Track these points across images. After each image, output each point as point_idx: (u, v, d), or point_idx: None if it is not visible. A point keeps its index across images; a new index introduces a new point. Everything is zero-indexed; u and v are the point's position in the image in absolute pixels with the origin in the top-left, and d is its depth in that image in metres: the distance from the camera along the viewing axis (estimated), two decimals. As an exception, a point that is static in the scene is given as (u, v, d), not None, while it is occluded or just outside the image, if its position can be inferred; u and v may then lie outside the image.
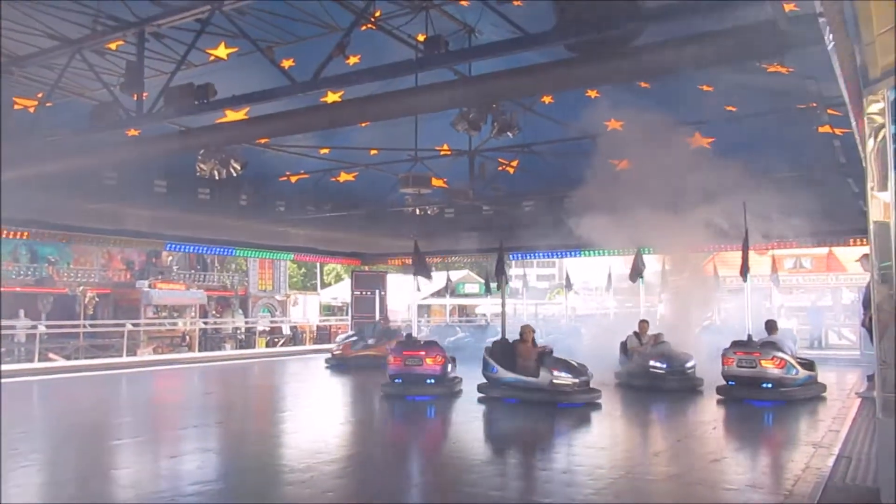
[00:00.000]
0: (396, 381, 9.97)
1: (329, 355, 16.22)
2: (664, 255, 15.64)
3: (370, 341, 18.97)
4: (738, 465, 6.26)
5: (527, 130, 9.97)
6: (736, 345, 9.44)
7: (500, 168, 12.75)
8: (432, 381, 9.84)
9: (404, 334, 12.69)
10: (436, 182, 11.41)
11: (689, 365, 10.46)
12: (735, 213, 9.97)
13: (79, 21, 6.89)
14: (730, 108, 9.92)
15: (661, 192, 10.62)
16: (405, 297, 35.41)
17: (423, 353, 9.90)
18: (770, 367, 9.01)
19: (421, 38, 7.34)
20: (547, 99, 10.03)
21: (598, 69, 5.27)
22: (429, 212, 13.79)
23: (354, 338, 19.60)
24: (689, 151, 10.67)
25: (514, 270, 29.20)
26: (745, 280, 9.88)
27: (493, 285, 19.30)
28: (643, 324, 11.40)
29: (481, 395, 9.68)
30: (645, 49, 5.04)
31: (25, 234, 14.43)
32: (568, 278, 23.36)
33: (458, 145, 11.45)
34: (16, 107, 8.85)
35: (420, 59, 5.83)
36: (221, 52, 7.94)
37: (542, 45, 5.37)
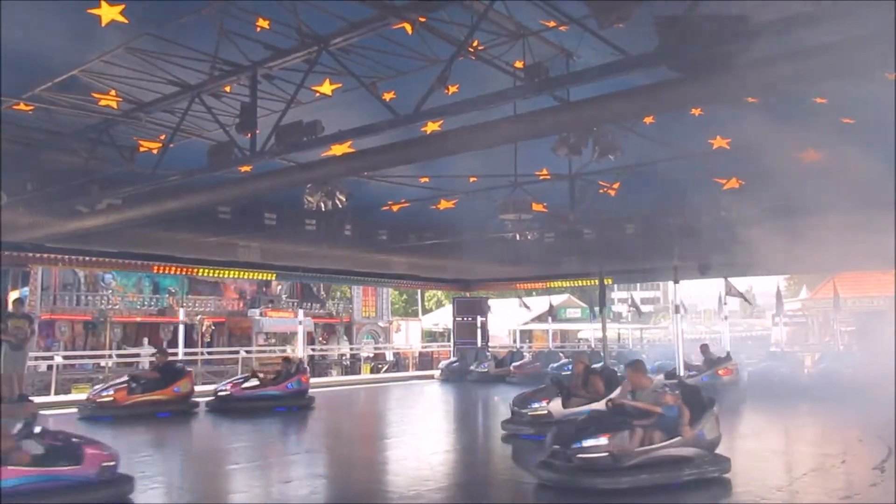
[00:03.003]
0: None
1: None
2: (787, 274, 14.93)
3: (472, 367, 19.05)
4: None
5: (628, 152, 9.78)
6: None
7: (600, 191, 12.56)
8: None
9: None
10: (536, 207, 11.35)
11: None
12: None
13: (197, 67, 7.35)
14: (846, 121, 9.38)
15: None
16: (507, 322, 35.36)
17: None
18: None
19: (518, 64, 7.37)
20: (648, 119, 9.82)
21: (705, 88, 5.11)
22: (529, 237, 13.73)
23: (457, 363, 19.69)
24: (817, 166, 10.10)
25: (617, 294, 28.57)
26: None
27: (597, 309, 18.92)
28: None
29: None
30: (754, 65, 4.85)
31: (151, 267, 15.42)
32: (680, 302, 22.59)
33: (558, 169, 11.36)
34: (141, 149, 9.49)
35: (521, 86, 5.84)
36: (326, 88, 8.24)
37: (644, 67, 5.27)
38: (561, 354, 20.59)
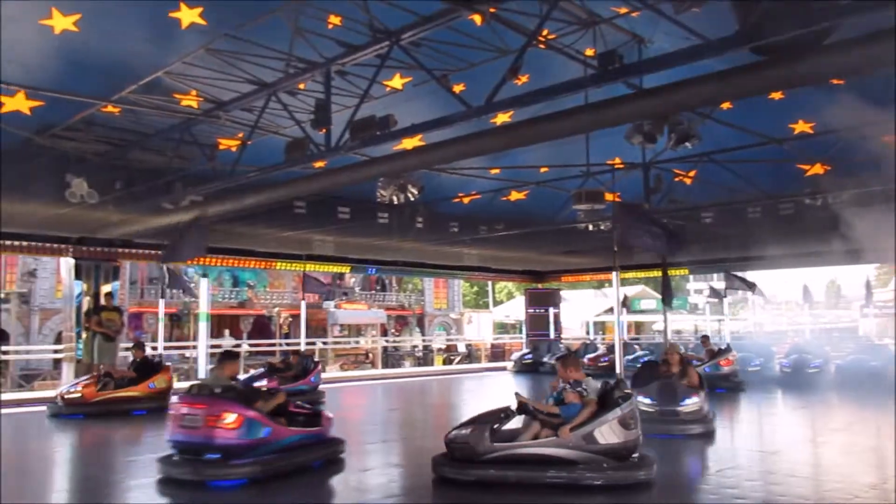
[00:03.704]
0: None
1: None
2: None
3: (545, 358, 18.94)
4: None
5: (705, 138, 9.52)
6: None
7: (675, 179, 12.25)
8: None
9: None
10: (609, 197, 11.18)
11: None
12: None
13: (273, 66, 7.55)
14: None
15: None
16: (579, 313, 34.99)
17: None
18: None
19: (589, 52, 7.26)
20: (726, 105, 9.52)
21: (789, 72, 4.90)
22: (602, 227, 13.53)
23: (530, 356, 19.62)
24: None
25: (693, 284, 27.88)
26: None
27: (677, 301, 18.48)
28: None
29: None
30: (841, 46, 4.63)
31: (230, 261, 15.96)
32: (759, 292, 21.85)
33: (631, 158, 11.15)
34: (220, 147, 9.82)
35: (594, 74, 5.74)
36: (397, 82, 8.33)
37: (723, 51, 5.10)
38: (636, 346, 20.24)
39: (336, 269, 18.50)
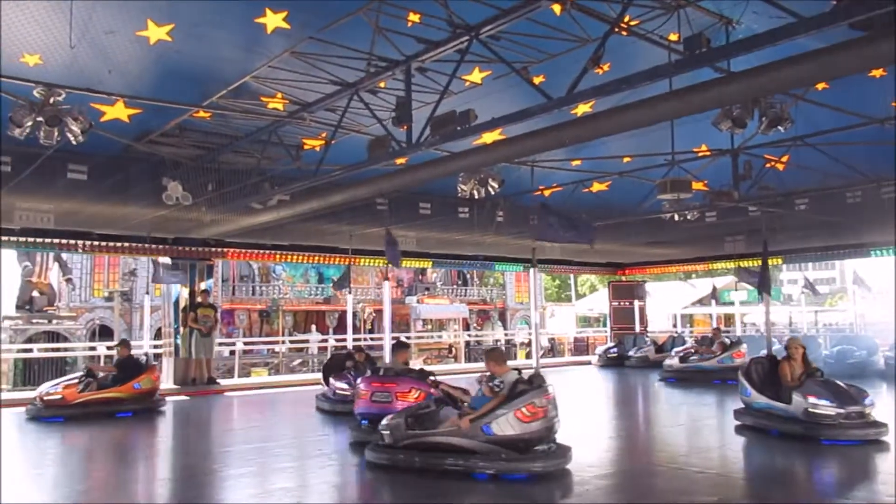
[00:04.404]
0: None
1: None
2: None
3: (630, 352, 18.61)
4: None
5: (798, 121, 9.09)
6: None
7: (766, 165, 11.76)
8: None
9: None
10: (696, 185, 10.84)
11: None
12: None
13: (355, 66, 7.68)
14: None
15: None
16: (665, 306, 34.13)
17: None
18: None
19: (673, 37, 7.05)
20: (821, 85, 9.06)
21: (891, 47, 4.60)
22: (689, 216, 13.15)
23: (615, 350, 19.31)
24: None
25: (787, 274, 26.76)
26: None
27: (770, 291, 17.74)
28: None
29: (737, 422, 8.63)
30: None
31: (314, 258, 16.39)
32: (861, 281, 20.77)
33: (719, 144, 10.77)
34: (305, 147, 10.07)
35: (680, 60, 5.56)
36: (476, 77, 8.32)
37: (818, 29, 4.85)
38: (727, 340, 19.55)
39: (417, 264, 18.69)
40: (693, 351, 15.79)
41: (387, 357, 12.34)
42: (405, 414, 6.64)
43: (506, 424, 6.03)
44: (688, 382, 14.33)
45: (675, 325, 32.87)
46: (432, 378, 7.58)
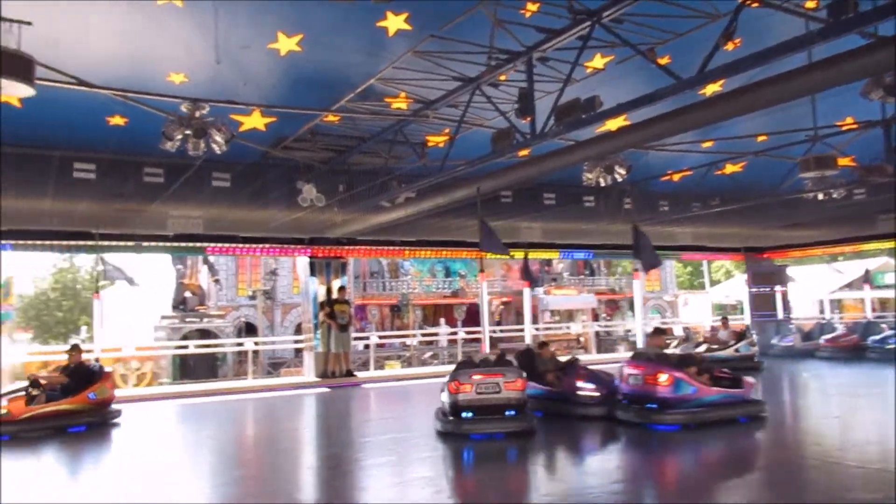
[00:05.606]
0: None
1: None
2: None
3: (773, 341, 17.61)
4: None
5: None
6: None
7: (924, 135, 10.77)
8: None
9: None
10: (842, 161, 10.09)
11: None
12: None
13: (476, 60, 7.73)
14: None
15: None
16: (809, 291, 32.03)
17: None
18: None
19: (810, 4, 6.60)
20: None
21: None
22: (834, 195, 12.24)
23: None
24: None
25: (951, 254, 24.44)
26: None
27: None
28: None
29: None
30: None
31: (441, 252, 16.68)
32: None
33: (867, 116, 9.97)
34: (429, 144, 10.26)
35: (823, 28, 5.17)
36: (598, 62, 8.16)
37: None
38: (884, 326, 18.08)
39: (545, 255, 18.56)
40: None
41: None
42: None
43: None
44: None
45: (821, 311, 30.78)
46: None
